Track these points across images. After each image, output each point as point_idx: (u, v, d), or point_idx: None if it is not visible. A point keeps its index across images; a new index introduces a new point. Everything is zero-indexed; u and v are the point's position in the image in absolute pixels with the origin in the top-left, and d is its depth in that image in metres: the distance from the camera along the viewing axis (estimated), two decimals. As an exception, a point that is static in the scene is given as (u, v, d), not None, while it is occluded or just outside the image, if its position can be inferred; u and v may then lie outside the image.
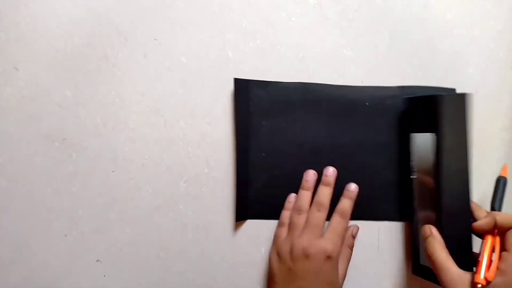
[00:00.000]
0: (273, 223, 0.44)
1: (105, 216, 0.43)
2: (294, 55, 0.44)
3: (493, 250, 0.36)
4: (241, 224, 0.44)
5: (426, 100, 0.40)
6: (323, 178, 0.43)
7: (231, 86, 0.43)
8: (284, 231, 0.42)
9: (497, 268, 0.34)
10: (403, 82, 0.45)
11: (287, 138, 0.43)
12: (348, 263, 0.42)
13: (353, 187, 0.43)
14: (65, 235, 0.43)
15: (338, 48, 0.44)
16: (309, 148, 0.43)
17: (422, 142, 0.41)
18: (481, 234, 0.38)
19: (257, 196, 0.43)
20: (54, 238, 0.43)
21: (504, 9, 0.45)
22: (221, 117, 0.43)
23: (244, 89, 0.42)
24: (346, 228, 0.42)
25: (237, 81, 0.42)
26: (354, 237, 0.43)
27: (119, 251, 0.43)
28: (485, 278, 0.34)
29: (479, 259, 0.36)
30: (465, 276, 0.35)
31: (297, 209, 0.42)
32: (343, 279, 0.41)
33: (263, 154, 0.43)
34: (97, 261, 0.43)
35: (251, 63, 0.43)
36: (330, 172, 0.43)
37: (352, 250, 0.43)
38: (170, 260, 0.44)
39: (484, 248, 0.37)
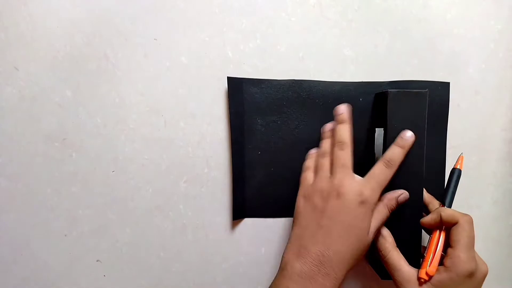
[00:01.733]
0: (272, 222, 0.44)
1: (105, 216, 0.43)
2: (294, 55, 0.44)
3: (443, 244, 0.37)
4: (239, 223, 0.44)
5: (382, 96, 0.40)
6: (337, 117, 0.39)
7: (231, 86, 0.43)
8: (310, 174, 0.39)
9: (444, 264, 0.35)
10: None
11: (282, 135, 0.43)
12: (381, 225, 0.37)
13: (408, 134, 0.37)
14: (65, 235, 0.43)
15: (338, 48, 0.44)
16: (304, 145, 0.43)
17: (379, 137, 0.41)
18: (430, 230, 0.38)
19: (253, 194, 0.44)
20: (54, 238, 0.43)
21: (504, 9, 0.45)
22: (221, 117, 0.43)
23: (237, 88, 0.42)
24: (389, 179, 0.37)
25: (230, 80, 0.42)
26: (398, 203, 0.38)
27: (119, 251, 0.43)
28: (427, 273, 0.35)
29: (425, 254, 0.37)
30: (415, 273, 0.36)
31: (321, 154, 0.39)
32: (371, 239, 0.36)
33: (259, 152, 0.43)
34: (97, 261, 0.43)
35: (251, 63, 0.43)
36: (342, 109, 0.38)
37: (389, 213, 0.37)
38: (170, 260, 0.44)
39: (431, 243, 0.37)
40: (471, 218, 0.36)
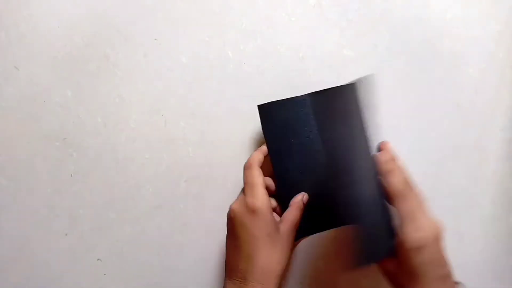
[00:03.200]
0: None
1: (106, 215, 0.43)
2: (294, 55, 0.44)
3: None
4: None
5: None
6: (391, 154, 0.37)
7: (231, 86, 0.43)
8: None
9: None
10: (402, 82, 0.45)
11: (318, 149, 0.40)
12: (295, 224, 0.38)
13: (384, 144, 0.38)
14: (66, 234, 0.43)
15: (338, 48, 0.44)
16: (337, 154, 0.40)
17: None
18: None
19: (307, 212, 0.40)
20: (54, 237, 0.43)
21: (504, 9, 0.45)
22: (221, 116, 0.43)
23: (268, 113, 0.40)
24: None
25: (261, 107, 0.40)
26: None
27: (119, 250, 0.43)
28: None
29: None
30: None
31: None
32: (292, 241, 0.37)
33: (300, 171, 0.40)
34: (98, 260, 0.43)
35: (251, 63, 0.43)
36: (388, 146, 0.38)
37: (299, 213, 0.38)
38: (170, 259, 0.44)
39: None
40: (401, 188, 0.35)
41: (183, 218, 0.44)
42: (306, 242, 0.41)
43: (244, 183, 0.37)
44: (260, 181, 0.36)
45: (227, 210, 0.44)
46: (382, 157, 0.36)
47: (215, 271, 0.44)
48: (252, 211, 0.35)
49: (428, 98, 0.45)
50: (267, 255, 0.35)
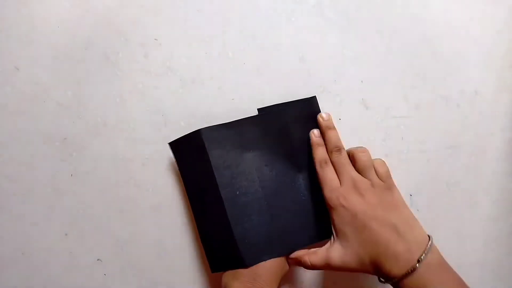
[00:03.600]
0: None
1: (106, 215, 0.43)
2: (294, 55, 0.44)
3: None
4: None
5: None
6: (323, 123, 0.40)
7: (231, 86, 0.43)
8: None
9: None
10: (403, 82, 0.45)
11: (248, 175, 0.39)
12: None
13: (322, 115, 0.40)
14: (66, 234, 0.43)
15: (338, 48, 0.44)
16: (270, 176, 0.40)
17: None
18: None
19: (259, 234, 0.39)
20: (54, 237, 0.43)
21: (503, 9, 0.45)
22: (221, 116, 0.43)
23: (178, 148, 0.40)
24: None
25: (171, 144, 0.40)
26: None
27: (119, 250, 0.43)
28: None
29: None
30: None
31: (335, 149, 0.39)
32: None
33: (237, 193, 0.39)
34: (98, 260, 0.43)
35: (251, 63, 0.43)
36: (325, 116, 0.40)
37: None
38: (170, 259, 0.44)
39: None
40: (322, 158, 0.39)
41: (183, 217, 0.44)
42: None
43: None
44: None
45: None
46: (313, 132, 0.40)
47: (215, 271, 0.44)
48: None
49: (428, 98, 0.45)
50: (273, 260, 0.38)
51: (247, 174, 0.39)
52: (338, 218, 0.36)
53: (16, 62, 0.41)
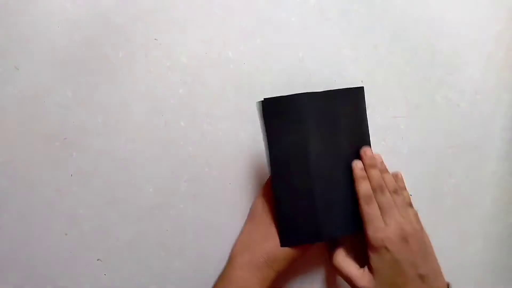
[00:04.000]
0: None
1: (106, 215, 0.43)
2: (294, 55, 0.44)
3: None
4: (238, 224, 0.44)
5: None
6: (366, 161, 0.39)
7: (231, 86, 0.43)
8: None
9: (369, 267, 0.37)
10: (403, 82, 0.45)
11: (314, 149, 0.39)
12: None
13: (367, 150, 0.40)
14: (66, 234, 0.43)
15: (338, 48, 0.44)
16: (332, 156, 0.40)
17: None
18: None
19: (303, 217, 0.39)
20: (54, 237, 0.43)
21: (504, 9, 0.45)
22: (221, 116, 0.43)
23: (272, 109, 0.38)
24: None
25: (266, 102, 0.38)
26: None
27: (119, 250, 0.43)
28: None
29: None
30: (362, 276, 0.37)
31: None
32: None
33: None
34: (98, 260, 0.43)
35: (251, 63, 0.43)
36: (368, 153, 0.40)
37: None
38: (171, 259, 0.44)
39: None
40: (367, 194, 0.38)
41: (183, 218, 0.44)
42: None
43: None
44: None
45: (227, 210, 0.44)
46: (357, 164, 0.39)
47: (215, 271, 0.44)
48: None
49: (428, 98, 0.45)
50: (293, 249, 0.39)
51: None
52: (379, 259, 0.36)
53: (16, 62, 0.41)
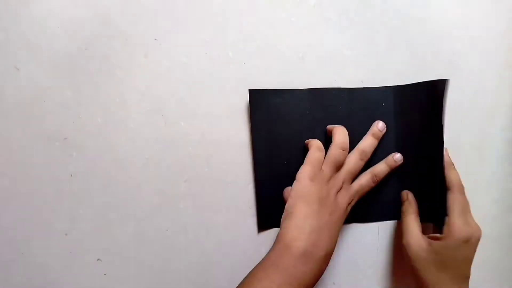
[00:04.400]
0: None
1: (106, 216, 0.43)
2: (294, 55, 0.44)
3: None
4: (238, 223, 0.44)
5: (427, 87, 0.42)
6: (374, 129, 0.43)
7: (231, 86, 0.43)
8: (327, 168, 0.41)
9: (442, 231, 0.39)
10: (403, 82, 0.45)
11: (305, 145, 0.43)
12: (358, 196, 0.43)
13: (398, 156, 0.43)
14: (66, 234, 0.43)
15: (338, 48, 0.44)
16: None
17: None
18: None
19: (279, 205, 0.41)
20: (54, 237, 0.43)
21: (504, 9, 0.45)
22: (221, 116, 0.43)
23: (259, 100, 0.42)
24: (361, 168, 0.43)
25: (252, 92, 0.42)
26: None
27: (119, 250, 0.43)
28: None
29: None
30: (421, 239, 0.40)
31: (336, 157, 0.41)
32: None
33: (284, 162, 0.43)
34: (98, 260, 0.43)
35: (251, 63, 0.43)
36: (380, 126, 0.43)
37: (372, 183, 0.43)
38: (171, 259, 0.44)
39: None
40: (462, 185, 0.40)
41: (183, 217, 0.44)
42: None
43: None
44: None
45: (227, 210, 0.44)
46: (447, 153, 0.42)
47: (215, 271, 0.44)
48: None
49: (428, 98, 0.45)
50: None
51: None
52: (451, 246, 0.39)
53: (16, 62, 0.41)
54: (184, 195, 0.43)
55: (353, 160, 0.41)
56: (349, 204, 0.41)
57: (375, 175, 0.42)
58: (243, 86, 0.43)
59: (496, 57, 0.45)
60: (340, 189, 0.40)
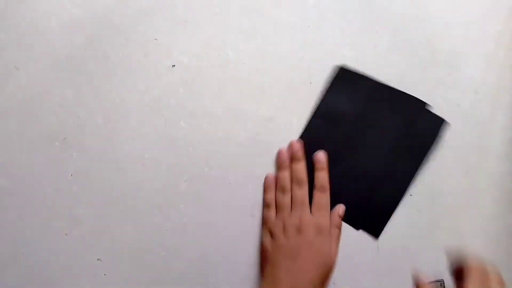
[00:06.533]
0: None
1: (106, 215, 0.43)
2: (294, 55, 0.44)
3: None
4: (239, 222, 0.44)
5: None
6: (294, 154, 0.43)
7: (231, 86, 0.43)
8: (272, 213, 0.43)
9: None
10: (403, 82, 0.45)
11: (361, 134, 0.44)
12: (338, 242, 0.42)
13: (320, 155, 0.43)
14: (66, 234, 0.43)
15: (338, 48, 0.44)
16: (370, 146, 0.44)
17: None
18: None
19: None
20: (54, 237, 0.43)
21: (504, 9, 0.45)
22: (221, 116, 0.43)
23: (344, 78, 0.43)
24: (329, 200, 0.43)
25: (342, 70, 0.43)
26: (340, 216, 0.43)
27: (119, 250, 0.43)
28: None
29: None
30: None
31: (281, 190, 0.43)
32: (335, 257, 0.42)
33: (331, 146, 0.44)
34: (98, 260, 0.43)
35: (251, 63, 0.43)
36: (297, 147, 0.43)
37: (340, 230, 0.43)
38: (170, 259, 0.44)
39: None
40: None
41: (183, 217, 0.44)
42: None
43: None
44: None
45: (227, 210, 0.44)
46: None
47: (215, 271, 0.44)
48: None
49: (428, 98, 0.45)
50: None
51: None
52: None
53: (16, 62, 0.41)
54: (184, 195, 0.43)
55: (297, 191, 0.42)
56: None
57: (321, 186, 0.43)
58: (243, 86, 0.43)
59: (496, 57, 0.45)
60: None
